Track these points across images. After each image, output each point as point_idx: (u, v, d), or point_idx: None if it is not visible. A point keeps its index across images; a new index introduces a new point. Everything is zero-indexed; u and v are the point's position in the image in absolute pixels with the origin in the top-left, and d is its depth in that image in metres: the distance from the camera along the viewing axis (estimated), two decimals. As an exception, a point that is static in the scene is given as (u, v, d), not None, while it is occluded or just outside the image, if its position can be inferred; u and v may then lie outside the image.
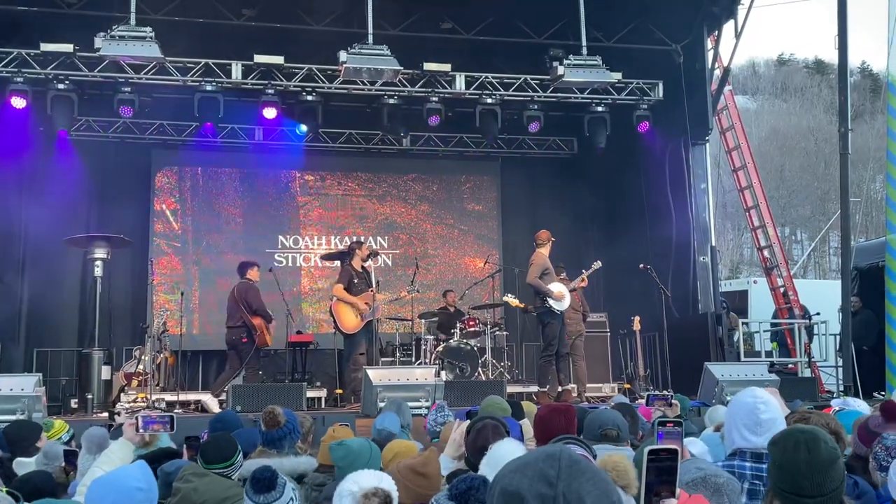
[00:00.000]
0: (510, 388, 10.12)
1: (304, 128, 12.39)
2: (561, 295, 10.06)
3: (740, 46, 12.26)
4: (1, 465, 4.68)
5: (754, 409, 3.19)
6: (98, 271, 10.22)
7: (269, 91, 11.57)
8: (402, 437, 4.89)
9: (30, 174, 12.65)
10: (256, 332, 10.20)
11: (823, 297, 13.34)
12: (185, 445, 5.00)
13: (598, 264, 10.66)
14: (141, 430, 4.16)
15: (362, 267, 10.44)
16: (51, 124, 11.43)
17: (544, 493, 1.24)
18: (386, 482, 2.61)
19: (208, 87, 11.33)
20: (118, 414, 7.44)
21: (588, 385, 10.99)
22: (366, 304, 10.17)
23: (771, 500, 2.49)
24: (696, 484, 2.30)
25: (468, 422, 3.92)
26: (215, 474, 3.96)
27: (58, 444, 4.83)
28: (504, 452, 2.90)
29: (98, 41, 9.76)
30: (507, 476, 1.30)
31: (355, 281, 10.29)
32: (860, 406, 5.69)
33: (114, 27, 9.65)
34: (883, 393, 10.14)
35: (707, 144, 12.57)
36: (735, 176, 13.77)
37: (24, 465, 4.60)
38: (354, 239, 12.06)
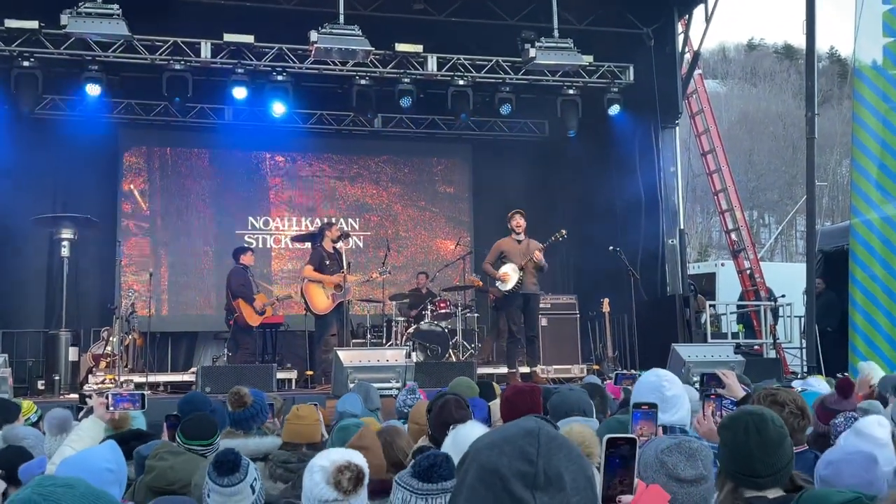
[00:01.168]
0: (480, 370, 10.19)
1: (279, 109, 12.08)
2: (504, 276, 9.88)
3: (710, 31, 12.37)
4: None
5: (659, 388, 3.33)
6: (65, 252, 10.12)
7: (239, 70, 11.46)
8: (373, 418, 4.92)
9: (-6, 153, 12.43)
10: (235, 313, 10.59)
11: (789, 280, 13.55)
12: (165, 424, 4.99)
13: (562, 233, 10.23)
14: (111, 408, 4.14)
15: (334, 248, 10.44)
16: (15, 103, 11.24)
17: (524, 471, 1.22)
18: (356, 458, 2.62)
19: (177, 66, 11.19)
20: (89, 396, 7.36)
21: (557, 366, 11.08)
22: (337, 285, 10.18)
23: (723, 483, 2.54)
24: (671, 450, 2.35)
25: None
26: (191, 453, 3.96)
27: (19, 428, 4.77)
28: (468, 433, 2.92)
29: (64, 18, 9.62)
30: (483, 452, 1.27)
31: (326, 262, 10.27)
32: (821, 386, 5.80)
33: (80, 4, 9.50)
34: (845, 373, 10.33)
35: (677, 128, 12.67)
36: (704, 160, 13.91)
37: None
38: (325, 220, 12.02)
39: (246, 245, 11.15)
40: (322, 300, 10.19)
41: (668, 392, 3.32)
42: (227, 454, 2.82)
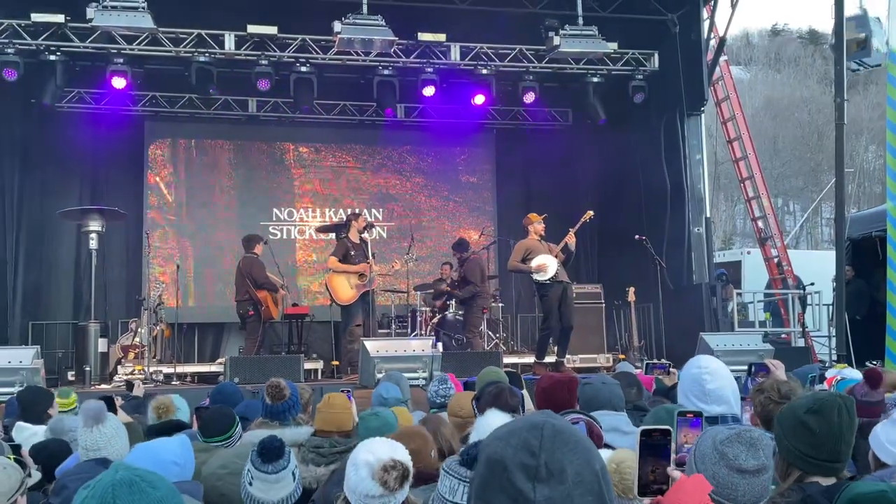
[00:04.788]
0: (506, 360, 10.18)
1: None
2: (541, 266, 9.60)
3: (735, 16, 12.22)
4: (5, 431, 4.71)
5: (700, 380, 3.29)
6: (93, 244, 10.20)
7: (263, 62, 11.48)
8: (402, 407, 4.93)
9: (23, 147, 12.56)
10: (262, 306, 10.40)
11: (816, 268, 13.41)
12: (194, 416, 5.04)
13: (589, 214, 9.98)
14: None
15: (360, 239, 10.44)
16: (43, 96, 11.33)
17: (527, 463, 1.26)
18: (400, 452, 2.62)
19: (201, 59, 11.24)
20: (133, 386, 7.39)
21: (582, 356, 11.04)
22: (361, 275, 10.20)
23: (788, 473, 2.48)
24: (731, 441, 2.31)
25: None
26: (215, 448, 3.99)
27: (66, 417, 4.83)
28: (491, 421, 2.94)
29: (90, 11, 9.69)
30: (491, 444, 1.32)
31: (352, 253, 10.30)
32: (855, 376, 5.74)
33: (106, -3, 9.55)
34: (876, 361, 10.23)
35: (702, 115, 12.56)
36: (730, 147, 13.77)
37: (22, 430, 4.62)
38: (351, 211, 12.03)
39: (259, 234, 11.02)
40: (346, 290, 10.22)
41: (709, 385, 3.27)
42: (273, 441, 2.85)
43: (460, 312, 11.27)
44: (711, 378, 3.30)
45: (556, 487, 1.25)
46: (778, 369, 4.33)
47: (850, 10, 10.85)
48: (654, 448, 2.14)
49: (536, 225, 9.87)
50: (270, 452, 2.82)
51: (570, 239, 9.70)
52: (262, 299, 10.42)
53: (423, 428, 3.50)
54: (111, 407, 4.95)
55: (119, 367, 10.37)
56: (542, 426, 1.30)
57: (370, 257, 10.27)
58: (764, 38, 61.29)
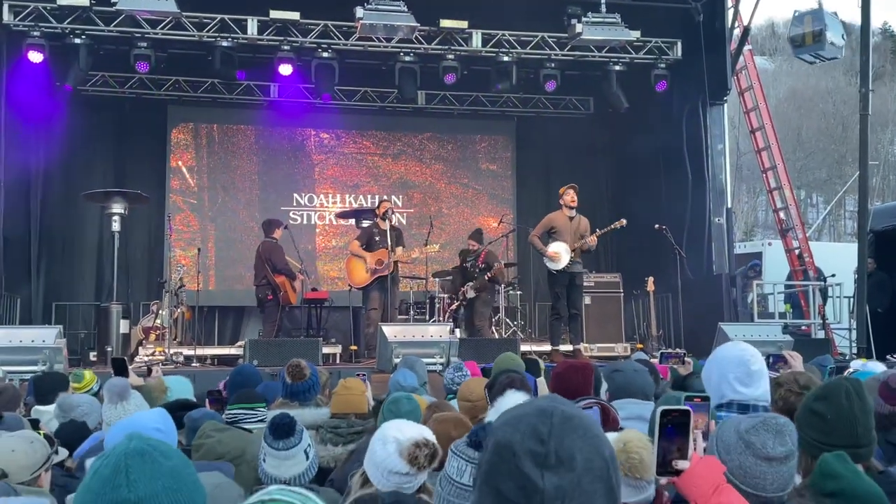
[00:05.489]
0: (523, 347, 10.19)
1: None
2: (555, 255, 9.71)
3: (759, 6, 12.11)
4: (29, 411, 4.79)
5: (745, 362, 3.20)
6: (115, 226, 10.29)
7: (285, 47, 11.52)
8: (421, 393, 4.97)
9: (47, 129, 12.69)
10: (280, 291, 10.50)
11: (838, 260, 13.29)
12: (207, 399, 5.10)
13: (621, 222, 10.06)
14: None
15: (390, 226, 10.46)
16: (67, 79, 11.43)
17: (535, 450, 1.24)
18: (427, 433, 2.64)
19: (224, 43, 11.29)
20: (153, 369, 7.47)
21: (600, 345, 11.05)
22: (378, 260, 10.26)
23: (808, 464, 2.46)
24: (756, 429, 2.29)
25: None
26: (234, 428, 4.05)
27: (74, 395, 4.89)
28: (509, 403, 2.94)
29: (115, -5, 9.74)
30: (500, 429, 1.30)
31: (376, 239, 10.40)
32: (878, 368, 5.70)
33: (130, -19, 9.61)
34: (899, 354, 10.14)
35: (725, 105, 12.46)
36: (753, 137, 13.66)
37: (41, 413, 4.69)
38: (371, 198, 12.10)
39: (278, 219, 11.09)
40: (360, 274, 10.33)
41: (754, 367, 3.17)
42: (283, 418, 2.90)
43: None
44: (755, 360, 3.19)
45: (565, 475, 1.24)
46: (796, 360, 4.32)
47: (807, 4, 10.86)
48: (675, 428, 2.17)
49: (565, 196, 9.91)
50: (281, 430, 2.86)
51: (593, 241, 9.80)
52: (281, 284, 10.53)
53: (465, 417, 3.51)
54: (124, 369, 5.03)
55: (140, 348, 10.48)
56: (551, 412, 1.28)
57: (389, 244, 10.29)
58: (789, 28, 60.54)
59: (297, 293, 11.00)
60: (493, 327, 11.32)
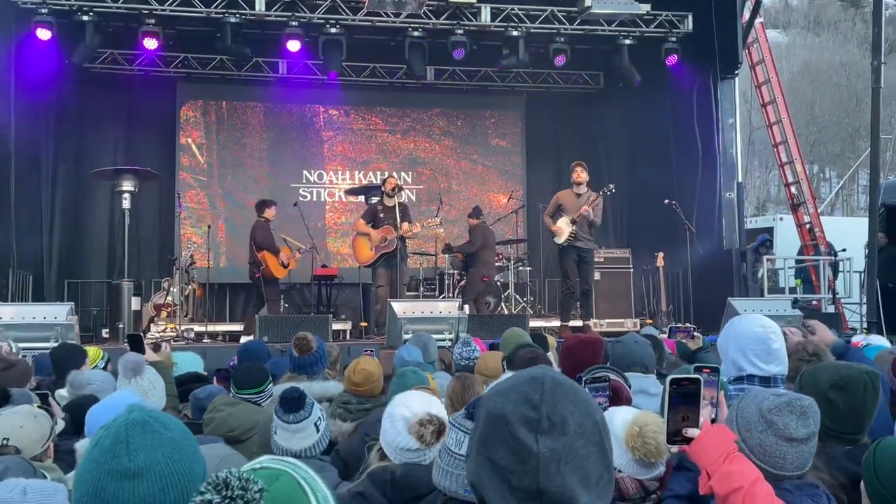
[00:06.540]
0: (532, 323, 10.22)
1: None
2: (557, 230, 9.85)
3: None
4: (49, 391, 4.80)
5: (766, 340, 3.13)
6: (126, 204, 10.31)
7: (293, 23, 11.48)
8: (429, 369, 4.99)
9: (57, 107, 12.71)
10: (262, 265, 10.52)
11: (849, 235, 13.22)
12: (215, 377, 5.14)
13: (609, 187, 10.20)
14: None
15: (397, 203, 10.43)
16: (75, 56, 11.42)
17: (528, 416, 1.26)
18: (436, 406, 2.66)
19: (232, 20, 11.25)
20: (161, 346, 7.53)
21: (609, 320, 11.06)
22: (382, 237, 10.27)
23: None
24: (780, 410, 2.27)
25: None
26: (245, 402, 4.09)
27: (85, 372, 4.92)
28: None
29: (122, -28, 9.71)
30: (492, 399, 1.32)
31: (381, 216, 10.40)
32: (882, 342, 5.69)
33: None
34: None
35: (736, 79, 12.36)
36: (764, 111, 13.55)
37: (61, 398, 4.73)
38: (381, 174, 12.08)
39: (270, 199, 11.09)
40: (365, 252, 10.37)
41: (775, 344, 3.12)
42: (293, 392, 2.93)
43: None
44: (776, 338, 3.15)
45: (559, 439, 1.26)
46: (823, 332, 4.27)
47: None
48: (684, 397, 2.18)
49: (572, 174, 9.99)
50: (290, 403, 2.90)
51: (585, 210, 9.70)
52: (262, 258, 10.52)
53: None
54: (140, 345, 5.07)
55: (152, 325, 10.56)
56: (542, 379, 1.31)
57: (397, 221, 10.27)
58: (803, 0, 59.87)
59: (286, 266, 10.89)
60: (486, 304, 11.34)
